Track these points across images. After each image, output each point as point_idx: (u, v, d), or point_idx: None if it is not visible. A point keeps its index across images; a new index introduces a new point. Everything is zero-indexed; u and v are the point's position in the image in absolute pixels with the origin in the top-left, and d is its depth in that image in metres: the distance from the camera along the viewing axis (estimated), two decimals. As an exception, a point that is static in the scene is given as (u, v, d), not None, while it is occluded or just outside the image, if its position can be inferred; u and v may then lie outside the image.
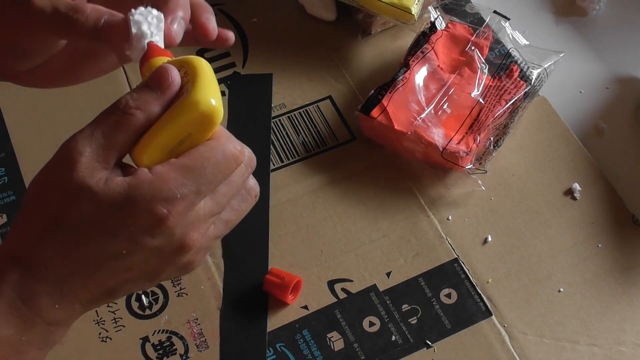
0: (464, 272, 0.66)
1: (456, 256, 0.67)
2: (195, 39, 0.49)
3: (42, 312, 0.41)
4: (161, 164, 0.41)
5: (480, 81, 0.72)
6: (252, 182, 0.45)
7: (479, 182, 0.69)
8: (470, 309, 0.64)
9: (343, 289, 0.65)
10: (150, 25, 0.44)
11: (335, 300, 0.65)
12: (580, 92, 0.77)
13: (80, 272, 0.41)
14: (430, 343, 0.63)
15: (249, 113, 0.75)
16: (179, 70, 0.42)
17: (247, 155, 0.43)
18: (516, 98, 0.71)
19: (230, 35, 0.50)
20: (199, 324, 0.64)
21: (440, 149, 0.68)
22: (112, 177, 0.40)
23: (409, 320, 0.64)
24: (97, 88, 0.77)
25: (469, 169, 0.68)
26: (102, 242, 0.40)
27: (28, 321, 0.41)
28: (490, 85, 0.72)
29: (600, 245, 0.67)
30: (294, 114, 0.75)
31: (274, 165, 0.72)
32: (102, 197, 0.39)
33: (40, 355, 0.44)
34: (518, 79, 0.72)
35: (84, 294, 0.42)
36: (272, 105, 0.75)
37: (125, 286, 0.43)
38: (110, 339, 0.63)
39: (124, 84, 0.77)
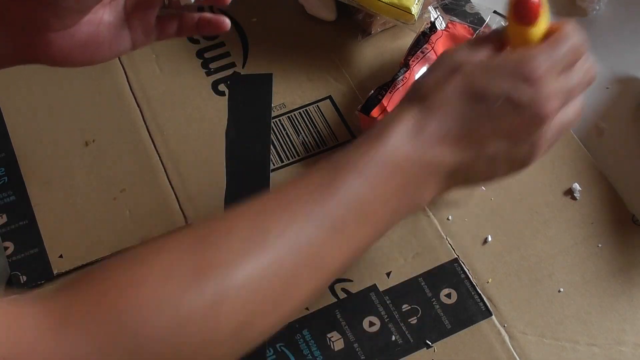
0: (464, 272, 0.66)
1: (456, 256, 0.67)
2: (196, 27, 0.58)
3: (426, 147, 0.48)
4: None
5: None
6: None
7: (479, 182, 0.69)
8: (470, 309, 0.64)
9: (343, 289, 0.65)
10: None
11: (335, 300, 0.65)
12: (580, 92, 0.77)
13: (464, 121, 0.49)
14: (430, 343, 0.63)
15: (249, 113, 0.75)
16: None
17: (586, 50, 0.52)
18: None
19: (227, 20, 0.58)
20: (199, 324, 0.64)
21: (440, 149, 0.68)
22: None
23: (409, 320, 0.64)
24: (97, 88, 0.77)
25: (469, 169, 0.68)
26: (487, 92, 0.49)
27: (417, 146, 0.48)
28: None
29: (600, 245, 0.67)
30: (294, 114, 0.75)
31: (274, 165, 0.72)
32: (493, 62, 0.50)
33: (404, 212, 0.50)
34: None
35: (460, 143, 0.49)
36: (272, 105, 0.75)
37: (490, 148, 0.49)
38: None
39: (124, 84, 0.77)
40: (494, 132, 0.49)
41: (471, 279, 0.66)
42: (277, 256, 0.44)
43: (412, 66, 0.72)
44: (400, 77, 0.71)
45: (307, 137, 0.74)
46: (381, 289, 0.65)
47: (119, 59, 0.78)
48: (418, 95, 0.50)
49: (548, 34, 0.51)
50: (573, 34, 0.51)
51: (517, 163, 0.51)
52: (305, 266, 0.45)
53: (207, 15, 0.58)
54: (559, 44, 0.50)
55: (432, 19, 0.76)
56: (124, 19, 0.56)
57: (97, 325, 0.40)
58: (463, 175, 0.50)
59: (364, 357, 0.62)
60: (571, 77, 0.50)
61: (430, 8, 0.76)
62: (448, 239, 0.68)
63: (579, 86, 0.51)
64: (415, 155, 0.48)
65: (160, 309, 0.40)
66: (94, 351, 0.39)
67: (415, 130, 0.48)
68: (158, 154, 0.73)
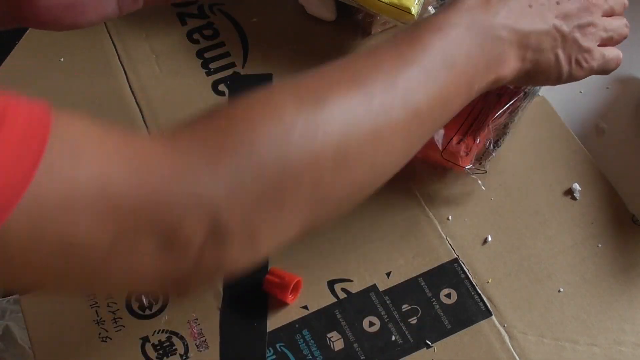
0: (464, 272, 0.66)
1: (456, 256, 0.67)
2: None
3: (498, 13, 0.53)
4: None
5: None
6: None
7: (479, 182, 0.69)
8: (470, 309, 0.64)
9: (343, 289, 0.65)
10: None
11: (335, 300, 0.65)
12: (580, 92, 0.77)
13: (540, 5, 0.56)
14: (430, 343, 0.63)
15: (249, 113, 0.75)
16: None
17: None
18: (516, 98, 0.71)
19: None
20: (199, 324, 0.64)
21: (440, 149, 0.68)
22: None
23: (409, 320, 0.64)
24: (97, 88, 0.77)
25: (469, 169, 0.68)
26: None
27: (492, 10, 0.53)
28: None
29: (600, 245, 0.67)
30: (294, 114, 0.75)
31: (274, 165, 0.72)
32: None
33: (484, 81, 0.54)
34: (518, 79, 0.72)
35: (525, 17, 0.55)
36: (272, 105, 0.75)
37: (552, 23, 0.57)
38: (110, 338, 0.63)
39: (124, 84, 0.77)
40: (559, 12, 0.56)
41: (471, 279, 0.66)
42: (379, 103, 0.47)
43: (412, 66, 0.72)
44: (400, 77, 0.71)
45: (307, 137, 0.73)
46: (381, 289, 0.65)
47: (119, 59, 0.78)
48: None
49: None
50: None
51: (576, 62, 0.58)
52: (405, 114, 0.48)
53: None
54: None
55: (432, 19, 0.76)
56: None
57: (212, 137, 0.42)
58: (534, 53, 0.55)
59: (363, 357, 0.62)
60: (610, 22, 0.60)
61: (430, 8, 0.76)
62: (448, 239, 0.68)
63: (616, 31, 0.60)
64: (490, 20, 0.53)
65: (269, 125, 0.43)
66: (205, 156, 0.41)
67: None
68: (158, 154, 0.72)
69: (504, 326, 0.64)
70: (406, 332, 0.63)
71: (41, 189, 0.36)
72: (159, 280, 0.42)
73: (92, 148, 0.39)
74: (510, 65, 0.54)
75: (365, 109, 0.46)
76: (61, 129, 0.38)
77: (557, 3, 0.56)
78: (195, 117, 0.44)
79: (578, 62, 0.58)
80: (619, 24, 0.61)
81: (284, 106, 0.44)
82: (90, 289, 0.56)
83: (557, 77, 0.58)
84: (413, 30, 0.52)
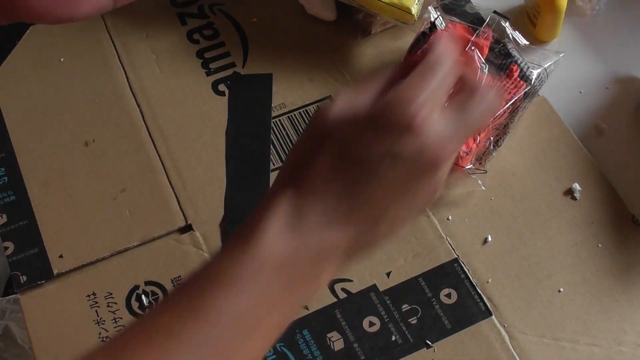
0: (464, 272, 0.66)
1: (456, 256, 0.67)
2: None
3: (312, 236, 0.42)
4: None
5: (480, 81, 0.72)
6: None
7: (479, 182, 0.69)
8: (470, 309, 0.64)
9: (343, 289, 0.65)
10: None
11: (335, 300, 0.65)
12: (580, 92, 0.77)
13: (347, 195, 0.42)
14: (430, 343, 0.63)
15: (249, 113, 0.75)
16: None
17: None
18: (516, 98, 0.71)
19: None
20: (199, 324, 0.64)
21: (440, 149, 0.68)
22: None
23: (409, 320, 0.64)
24: (97, 88, 0.77)
25: (469, 169, 0.68)
26: (365, 157, 0.42)
27: (298, 239, 0.42)
28: (490, 85, 0.72)
29: (600, 245, 0.67)
30: (294, 114, 0.75)
31: (274, 165, 0.72)
32: (363, 117, 0.42)
33: (297, 305, 0.44)
34: (518, 79, 0.72)
35: (351, 220, 0.42)
36: (272, 105, 0.75)
37: (388, 212, 0.43)
38: (110, 339, 0.63)
39: (124, 84, 0.77)
40: (386, 194, 0.43)
41: (471, 279, 0.66)
42: None
43: (412, 66, 0.72)
44: (400, 77, 0.71)
45: (307, 137, 0.73)
46: (381, 289, 0.65)
47: (119, 59, 0.78)
48: (291, 176, 0.43)
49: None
50: (442, 54, 0.43)
51: (422, 204, 0.45)
52: None
53: None
54: (428, 71, 0.42)
55: (432, 19, 0.76)
56: None
57: None
58: (365, 244, 0.44)
59: (363, 357, 0.62)
60: (465, 109, 0.43)
61: (430, 8, 0.76)
62: (448, 239, 0.68)
63: (478, 114, 0.44)
64: (299, 250, 0.41)
65: None
66: None
67: (295, 220, 0.41)
68: (158, 154, 0.72)
69: (504, 326, 0.64)
70: (406, 332, 0.63)
71: None
72: None
73: None
74: (332, 274, 0.44)
75: None
76: None
77: (387, 179, 0.42)
78: None
79: (428, 201, 0.46)
80: (475, 108, 0.44)
81: None
82: None
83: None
84: (200, 282, 0.41)
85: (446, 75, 0.43)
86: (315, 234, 0.42)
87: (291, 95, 0.76)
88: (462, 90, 0.44)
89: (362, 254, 0.44)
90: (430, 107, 0.41)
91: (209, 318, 0.40)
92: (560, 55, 0.75)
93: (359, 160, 0.42)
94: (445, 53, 0.43)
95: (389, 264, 0.66)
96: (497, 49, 0.75)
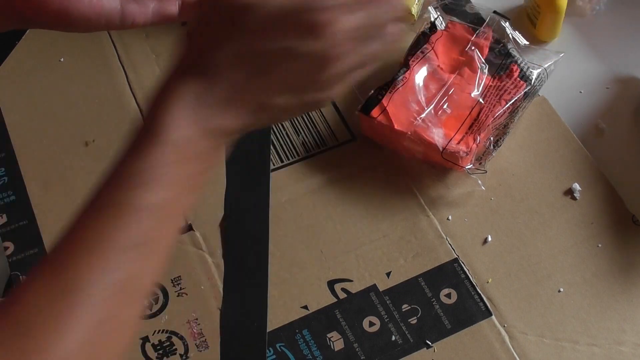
0: (464, 272, 0.66)
1: (456, 256, 0.67)
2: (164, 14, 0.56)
3: (213, 116, 0.44)
4: None
5: (480, 81, 0.72)
6: (394, 27, 0.47)
7: (479, 182, 0.69)
8: (470, 309, 0.64)
9: (343, 289, 0.65)
10: None
11: (335, 300, 0.65)
12: (580, 92, 0.77)
13: (247, 83, 0.44)
14: (430, 343, 0.63)
15: (249, 113, 0.75)
16: None
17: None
18: (516, 98, 0.71)
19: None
20: (199, 324, 0.64)
21: (440, 149, 0.68)
22: None
23: (409, 320, 0.64)
24: (97, 88, 0.77)
25: (469, 169, 0.68)
26: (269, 51, 0.44)
27: (200, 123, 0.44)
28: (490, 85, 0.72)
29: (600, 245, 0.67)
30: (294, 114, 0.75)
31: (274, 165, 0.72)
32: (276, 9, 0.43)
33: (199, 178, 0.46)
34: (518, 79, 0.72)
35: (246, 106, 0.45)
36: (272, 105, 0.75)
37: (280, 101, 0.45)
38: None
39: (124, 84, 0.77)
40: (281, 86, 0.45)
41: (471, 279, 0.66)
42: (95, 311, 0.41)
43: (412, 66, 0.72)
44: (400, 77, 0.71)
45: (307, 137, 0.74)
46: (381, 289, 0.65)
47: (119, 59, 0.78)
48: (196, 59, 0.45)
49: None
50: None
51: (310, 105, 0.47)
52: (123, 297, 0.42)
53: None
54: None
55: (432, 19, 0.76)
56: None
57: None
58: (255, 126, 0.47)
59: (363, 357, 0.62)
60: (370, 11, 0.45)
61: (430, 8, 0.76)
62: (448, 239, 0.68)
63: (381, 18, 0.45)
64: (204, 134, 0.44)
65: None
66: None
67: (197, 104, 0.44)
68: (158, 154, 0.72)
69: (504, 326, 0.64)
70: (406, 332, 0.63)
71: None
72: None
73: None
74: (225, 148, 0.47)
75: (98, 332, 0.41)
76: None
77: (284, 72, 0.45)
78: None
79: (316, 104, 0.48)
80: (377, 12, 0.46)
81: None
82: None
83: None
84: (114, 182, 0.46)
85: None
86: (216, 118, 0.44)
87: (291, 95, 0.76)
88: None
89: (248, 130, 0.47)
90: (337, 11, 0.43)
91: (135, 217, 0.43)
92: (560, 55, 0.75)
93: (264, 54, 0.44)
94: None
95: (389, 264, 0.66)
96: (497, 49, 0.75)
